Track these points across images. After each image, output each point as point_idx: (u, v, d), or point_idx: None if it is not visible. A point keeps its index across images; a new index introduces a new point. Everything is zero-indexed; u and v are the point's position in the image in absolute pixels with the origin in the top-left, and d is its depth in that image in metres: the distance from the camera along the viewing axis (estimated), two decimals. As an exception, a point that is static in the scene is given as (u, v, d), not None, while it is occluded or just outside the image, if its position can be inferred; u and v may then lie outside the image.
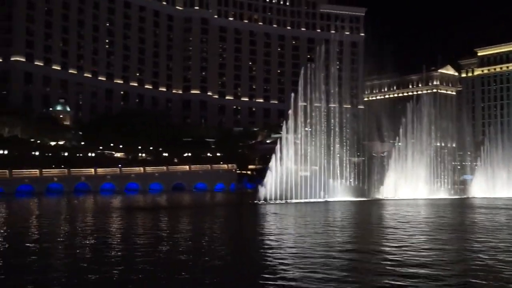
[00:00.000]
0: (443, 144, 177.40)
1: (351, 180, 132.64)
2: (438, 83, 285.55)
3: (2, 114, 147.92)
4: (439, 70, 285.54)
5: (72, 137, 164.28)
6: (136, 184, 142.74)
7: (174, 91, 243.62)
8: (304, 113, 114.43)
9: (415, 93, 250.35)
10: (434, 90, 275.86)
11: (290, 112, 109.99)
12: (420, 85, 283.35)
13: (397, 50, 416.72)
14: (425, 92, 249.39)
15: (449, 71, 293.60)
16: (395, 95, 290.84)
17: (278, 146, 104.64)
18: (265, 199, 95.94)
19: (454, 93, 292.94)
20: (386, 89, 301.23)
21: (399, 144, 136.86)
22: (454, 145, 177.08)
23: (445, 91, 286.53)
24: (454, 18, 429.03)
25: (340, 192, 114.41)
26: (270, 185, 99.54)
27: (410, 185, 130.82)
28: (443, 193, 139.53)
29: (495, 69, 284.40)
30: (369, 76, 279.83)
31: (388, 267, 29.71)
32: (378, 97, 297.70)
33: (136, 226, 53.52)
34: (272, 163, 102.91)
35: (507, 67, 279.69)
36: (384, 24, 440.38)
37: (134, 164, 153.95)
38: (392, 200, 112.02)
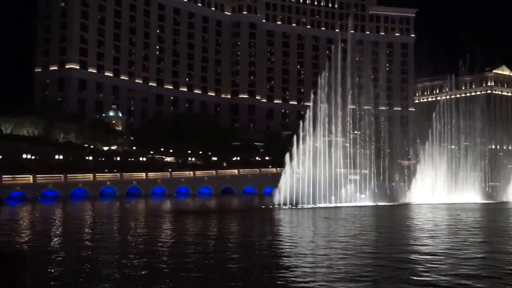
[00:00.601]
0: (498, 147, 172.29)
1: (401, 184, 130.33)
2: (492, 84, 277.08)
3: (57, 120, 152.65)
4: (493, 71, 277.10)
5: (124, 142, 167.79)
6: (186, 188, 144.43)
7: (222, 96, 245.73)
8: (352, 116, 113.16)
9: (468, 94, 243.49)
10: (489, 91, 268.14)
11: (308, 111, 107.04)
12: (473, 86, 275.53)
13: (449, 51, 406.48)
14: (479, 93, 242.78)
15: (505, 71, 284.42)
16: (447, 96, 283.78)
17: (294, 147, 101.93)
18: (278, 204, 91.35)
19: (510, 94, 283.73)
20: (437, 91, 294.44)
21: (452, 147, 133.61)
22: (510, 147, 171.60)
23: (500, 92, 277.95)
24: (508, 18, 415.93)
25: (389, 196, 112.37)
26: (285, 189, 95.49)
27: (461, 189, 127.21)
28: (498, 197, 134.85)
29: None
30: (420, 77, 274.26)
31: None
32: (429, 99, 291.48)
33: (186, 230, 54.16)
34: (286, 166, 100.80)
35: None
36: (435, 24, 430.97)
37: (184, 168, 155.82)
38: (443, 204, 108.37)
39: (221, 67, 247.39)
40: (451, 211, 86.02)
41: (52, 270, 29.97)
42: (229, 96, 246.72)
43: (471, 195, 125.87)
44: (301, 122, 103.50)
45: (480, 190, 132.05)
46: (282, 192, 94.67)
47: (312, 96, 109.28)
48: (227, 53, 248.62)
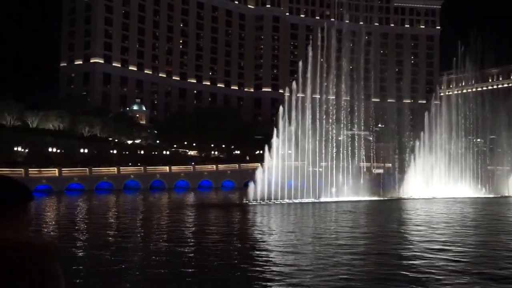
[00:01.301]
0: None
1: (424, 177, 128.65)
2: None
3: (82, 114, 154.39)
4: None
5: (148, 135, 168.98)
6: (209, 182, 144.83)
7: (245, 89, 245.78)
8: (375, 109, 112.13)
9: (494, 87, 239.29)
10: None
11: (286, 97, 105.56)
12: (500, 79, 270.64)
13: (475, 43, 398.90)
14: (505, 86, 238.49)
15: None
16: (473, 89, 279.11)
17: (274, 139, 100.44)
18: (255, 199, 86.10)
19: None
20: (463, 84, 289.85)
21: (478, 140, 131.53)
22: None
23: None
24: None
25: (411, 190, 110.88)
26: (262, 182, 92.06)
27: (486, 183, 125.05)
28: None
29: None
30: (445, 70, 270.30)
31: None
32: (455, 92, 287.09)
33: (209, 223, 54.35)
34: (266, 158, 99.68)
35: None
36: (462, 16, 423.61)
37: (206, 162, 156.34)
38: (468, 198, 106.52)
39: (244, 61, 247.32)
40: (479, 205, 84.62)
41: (77, 262, 30.28)
42: (252, 90, 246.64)
43: (496, 189, 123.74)
44: (281, 109, 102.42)
45: (506, 185, 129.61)
46: (260, 186, 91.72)
47: (292, 84, 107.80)
48: (250, 47, 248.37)
